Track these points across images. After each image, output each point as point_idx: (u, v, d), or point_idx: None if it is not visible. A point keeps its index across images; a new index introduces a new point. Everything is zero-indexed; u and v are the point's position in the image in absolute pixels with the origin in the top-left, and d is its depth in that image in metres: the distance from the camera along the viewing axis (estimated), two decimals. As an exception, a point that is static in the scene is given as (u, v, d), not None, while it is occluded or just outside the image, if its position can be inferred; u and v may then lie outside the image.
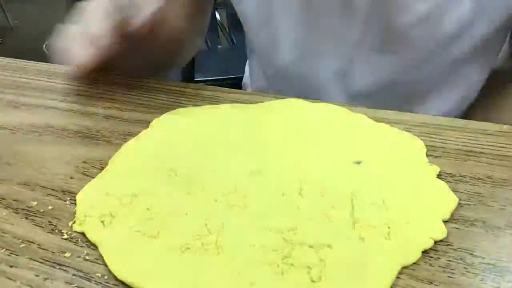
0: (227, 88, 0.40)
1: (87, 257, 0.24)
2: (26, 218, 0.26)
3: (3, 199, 0.28)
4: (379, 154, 0.30)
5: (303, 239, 0.23)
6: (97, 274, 0.23)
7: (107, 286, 0.22)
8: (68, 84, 0.42)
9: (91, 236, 0.25)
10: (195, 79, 1.38)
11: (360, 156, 0.29)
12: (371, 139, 0.31)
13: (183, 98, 0.38)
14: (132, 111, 0.37)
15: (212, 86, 0.41)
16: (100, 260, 0.23)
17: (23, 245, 0.25)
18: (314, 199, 0.26)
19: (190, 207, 0.26)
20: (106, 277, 0.23)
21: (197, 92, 0.39)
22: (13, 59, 0.47)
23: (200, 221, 0.25)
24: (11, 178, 0.30)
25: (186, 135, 0.33)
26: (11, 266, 0.23)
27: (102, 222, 0.25)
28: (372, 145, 0.30)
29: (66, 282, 0.22)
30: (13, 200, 0.28)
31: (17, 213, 0.27)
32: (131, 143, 0.32)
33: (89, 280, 0.22)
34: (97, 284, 0.22)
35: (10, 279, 0.23)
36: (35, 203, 0.27)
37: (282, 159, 0.29)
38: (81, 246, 0.24)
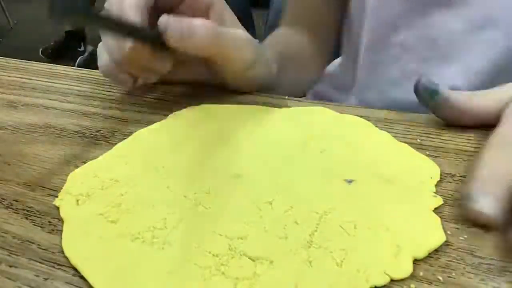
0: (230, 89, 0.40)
1: (87, 257, 0.24)
2: (26, 218, 0.26)
3: (3, 199, 0.28)
4: (380, 175, 0.27)
5: (248, 249, 0.23)
6: (97, 274, 0.23)
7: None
8: (68, 84, 0.42)
9: (61, 212, 0.26)
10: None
11: (355, 175, 0.27)
12: (378, 159, 0.29)
13: (184, 99, 0.38)
14: (132, 111, 0.37)
15: (214, 87, 0.41)
16: (100, 260, 0.23)
17: (23, 245, 0.25)
18: (281, 212, 0.25)
19: (159, 200, 0.26)
20: (106, 277, 0.23)
21: (198, 93, 0.39)
22: (13, 59, 0.48)
23: (162, 214, 0.25)
24: (11, 178, 0.30)
25: (193, 130, 0.33)
26: (11, 266, 0.23)
27: (77, 201, 0.27)
28: (375, 164, 0.28)
29: (66, 282, 0.22)
30: (13, 200, 0.28)
31: (17, 213, 0.27)
32: (143, 131, 0.34)
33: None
34: (97, 284, 0.22)
35: (10, 279, 0.23)
36: (35, 203, 0.27)
37: (268, 167, 0.29)
38: (81, 246, 0.24)
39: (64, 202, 0.27)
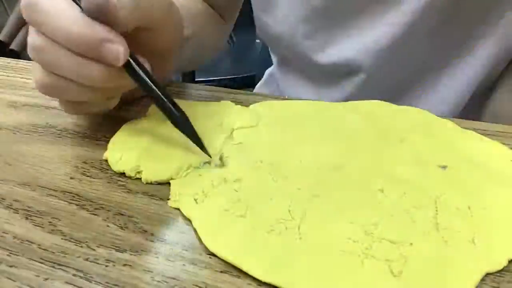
0: (228, 89, 0.40)
1: (87, 257, 0.24)
2: (26, 218, 0.26)
3: (3, 199, 0.28)
4: (465, 160, 0.29)
5: (384, 234, 0.24)
6: (97, 274, 0.23)
7: (107, 286, 0.22)
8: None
9: (184, 211, 0.26)
10: (196, 80, 1.38)
11: (445, 161, 0.29)
12: (457, 145, 0.30)
13: (184, 99, 0.38)
14: (132, 111, 0.37)
15: (213, 87, 0.41)
16: (100, 260, 0.23)
17: (23, 245, 0.25)
18: (396, 198, 0.26)
19: (274, 193, 0.27)
20: (106, 277, 0.23)
21: (198, 93, 0.39)
22: (13, 59, 0.47)
23: (284, 206, 0.26)
24: (11, 178, 0.30)
25: (273, 127, 0.33)
26: (11, 266, 0.23)
27: (195, 200, 0.27)
28: (458, 150, 0.30)
29: (66, 282, 0.22)
30: (13, 200, 0.28)
31: (17, 213, 0.27)
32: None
33: (89, 280, 0.22)
34: (97, 284, 0.22)
35: (10, 279, 0.23)
36: (35, 203, 0.27)
37: (364, 157, 0.29)
38: (81, 247, 0.24)
39: (181, 202, 0.27)
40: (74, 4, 0.27)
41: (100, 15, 0.26)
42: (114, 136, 0.33)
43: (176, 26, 0.34)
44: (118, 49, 0.27)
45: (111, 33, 0.27)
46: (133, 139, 0.32)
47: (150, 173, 0.29)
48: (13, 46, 2.47)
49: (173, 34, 0.34)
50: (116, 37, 0.27)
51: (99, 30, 0.26)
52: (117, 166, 0.30)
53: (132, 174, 0.29)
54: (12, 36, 2.50)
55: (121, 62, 0.27)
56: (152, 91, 0.29)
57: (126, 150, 0.31)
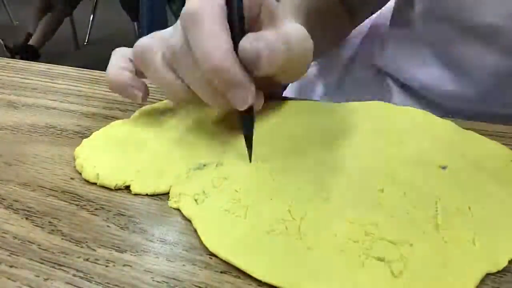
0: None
1: (87, 258, 0.24)
2: (27, 218, 0.26)
3: (4, 199, 0.28)
4: (465, 160, 0.29)
5: (384, 234, 0.24)
6: (97, 275, 0.23)
7: (108, 286, 0.22)
8: (68, 85, 0.42)
9: (185, 212, 0.26)
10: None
11: (446, 161, 0.29)
12: (458, 145, 0.30)
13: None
14: (132, 112, 0.37)
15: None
16: (100, 260, 0.23)
17: (23, 245, 0.25)
18: (396, 198, 0.26)
19: (274, 193, 0.27)
20: (106, 277, 0.23)
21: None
22: (13, 59, 0.48)
23: (284, 206, 0.26)
24: (11, 178, 0.30)
25: (273, 127, 0.33)
26: (11, 267, 0.23)
27: (196, 200, 0.27)
28: (458, 151, 0.30)
29: (66, 283, 0.22)
30: (14, 200, 0.28)
31: (18, 213, 0.27)
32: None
33: (89, 280, 0.22)
34: (97, 284, 0.22)
35: (11, 279, 0.23)
36: (36, 203, 0.27)
37: (365, 157, 0.30)
38: (81, 247, 0.24)
39: (182, 203, 0.27)
40: (229, 36, 0.27)
41: (248, 65, 0.27)
42: (80, 147, 0.32)
43: (308, 60, 0.34)
44: (248, 97, 0.28)
45: (246, 77, 0.27)
46: (113, 150, 0.31)
47: (142, 188, 0.28)
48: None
49: (303, 70, 0.34)
50: (250, 83, 0.27)
51: (238, 72, 0.27)
52: (98, 181, 0.29)
53: (117, 187, 0.29)
54: (42, 41, 2.50)
55: (244, 108, 0.28)
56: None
57: (104, 164, 0.30)
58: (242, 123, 0.29)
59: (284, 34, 0.29)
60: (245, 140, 0.29)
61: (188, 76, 0.29)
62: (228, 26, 0.27)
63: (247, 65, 0.27)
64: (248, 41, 0.26)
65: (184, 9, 0.28)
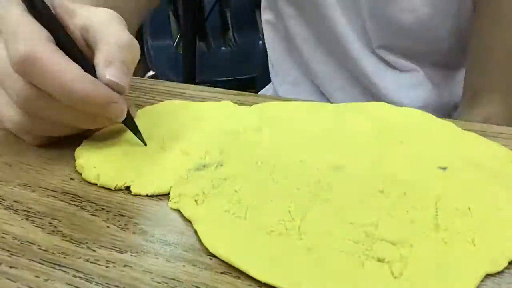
0: (228, 90, 0.40)
1: (87, 258, 0.24)
2: (27, 219, 0.26)
3: (4, 200, 0.28)
4: (465, 161, 0.29)
5: (384, 235, 0.24)
6: (98, 275, 0.23)
7: (108, 287, 0.22)
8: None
9: (185, 213, 0.26)
10: (197, 81, 1.38)
11: (445, 162, 0.29)
12: (457, 146, 0.31)
13: (185, 100, 0.38)
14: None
15: (214, 88, 0.41)
16: (100, 261, 0.23)
17: (23, 246, 0.25)
18: (396, 198, 0.26)
19: (275, 194, 0.27)
20: (106, 278, 0.23)
21: (198, 94, 0.39)
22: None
23: (284, 207, 0.26)
24: (11, 179, 0.30)
25: (273, 127, 0.33)
26: (11, 267, 0.23)
27: (196, 201, 0.27)
28: (458, 151, 0.30)
29: (67, 283, 0.22)
30: (14, 201, 0.28)
31: (18, 214, 0.27)
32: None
33: (89, 281, 0.22)
34: (97, 285, 0.22)
35: (11, 280, 0.23)
36: (36, 204, 0.27)
37: (365, 158, 0.30)
38: (82, 247, 0.24)
39: (182, 203, 0.27)
40: (74, 62, 0.28)
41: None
42: (80, 147, 0.32)
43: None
44: (123, 109, 0.29)
45: (114, 93, 0.28)
46: (112, 151, 0.31)
47: (143, 189, 0.28)
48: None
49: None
50: (119, 98, 0.29)
51: (105, 92, 0.28)
52: (98, 182, 0.29)
53: (117, 187, 0.29)
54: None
55: (122, 119, 0.30)
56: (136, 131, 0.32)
57: (104, 165, 0.30)
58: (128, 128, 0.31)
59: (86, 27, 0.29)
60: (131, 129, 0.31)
61: (53, 115, 0.29)
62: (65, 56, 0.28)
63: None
64: (103, 75, 0.28)
65: (13, 57, 0.26)
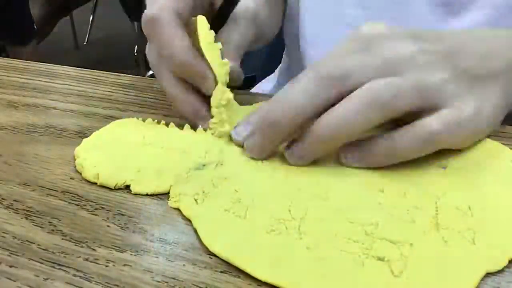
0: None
1: (87, 257, 0.24)
2: (26, 218, 0.26)
3: (3, 199, 0.28)
4: (465, 160, 0.29)
5: (384, 234, 0.24)
6: (97, 275, 0.23)
7: (107, 286, 0.22)
8: (68, 84, 0.42)
9: (184, 212, 0.26)
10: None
11: (446, 161, 0.29)
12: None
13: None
14: (133, 112, 0.37)
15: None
16: (100, 260, 0.23)
17: (23, 245, 0.25)
18: (396, 198, 0.26)
19: (274, 193, 0.27)
20: (106, 277, 0.23)
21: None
22: (14, 59, 0.48)
23: (284, 206, 0.26)
24: (11, 178, 0.30)
25: None
26: (11, 266, 0.23)
27: (196, 200, 0.27)
28: (458, 151, 0.29)
29: (66, 282, 0.22)
30: (13, 200, 0.28)
31: (17, 213, 0.27)
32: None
33: (89, 280, 0.22)
34: (97, 284, 0.22)
35: (10, 279, 0.23)
36: (35, 203, 0.27)
37: None
38: (81, 247, 0.24)
39: (181, 202, 0.27)
40: (186, 35, 0.32)
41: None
42: (80, 146, 0.32)
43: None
44: (212, 85, 0.32)
45: (209, 71, 0.32)
46: (113, 150, 0.31)
47: (142, 188, 0.28)
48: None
49: None
50: (212, 75, 0.32)
51: (203, 68, 0.32)
52: (98, 181, 0.29)
53: (117, 186, 0.29)
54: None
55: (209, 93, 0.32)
56: None
57: (104, 164, 0.30)
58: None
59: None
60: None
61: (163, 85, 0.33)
62: (183, 26, 0.32)
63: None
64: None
65: (143, 18, 0.32)
